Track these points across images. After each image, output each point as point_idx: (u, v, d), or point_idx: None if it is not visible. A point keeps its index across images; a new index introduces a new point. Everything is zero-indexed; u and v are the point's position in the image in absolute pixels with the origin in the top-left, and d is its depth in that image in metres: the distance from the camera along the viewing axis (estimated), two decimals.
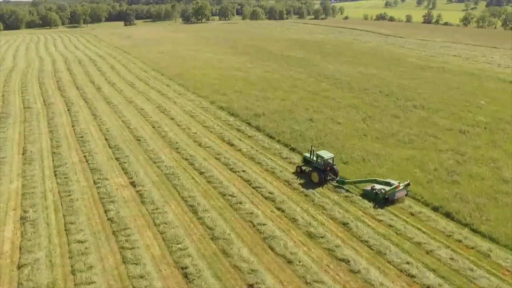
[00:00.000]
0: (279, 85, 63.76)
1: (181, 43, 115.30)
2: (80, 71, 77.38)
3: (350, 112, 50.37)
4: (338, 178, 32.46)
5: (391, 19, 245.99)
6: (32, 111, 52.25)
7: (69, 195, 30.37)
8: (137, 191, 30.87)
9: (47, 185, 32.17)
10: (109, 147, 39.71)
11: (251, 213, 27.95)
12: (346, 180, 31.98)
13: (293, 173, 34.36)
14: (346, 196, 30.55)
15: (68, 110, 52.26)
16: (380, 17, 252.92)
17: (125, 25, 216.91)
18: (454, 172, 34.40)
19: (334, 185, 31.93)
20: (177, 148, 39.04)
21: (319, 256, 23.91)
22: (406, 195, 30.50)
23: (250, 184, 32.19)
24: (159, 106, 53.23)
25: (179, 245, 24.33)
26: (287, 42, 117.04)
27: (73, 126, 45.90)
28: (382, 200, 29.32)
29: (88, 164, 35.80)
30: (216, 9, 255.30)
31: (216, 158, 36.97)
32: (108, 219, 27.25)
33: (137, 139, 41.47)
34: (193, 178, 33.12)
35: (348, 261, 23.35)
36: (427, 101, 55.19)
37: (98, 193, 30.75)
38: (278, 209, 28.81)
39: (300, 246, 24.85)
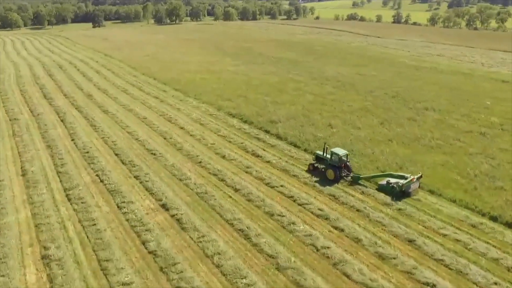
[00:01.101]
0: (283, 89, 60.99)
1: (165, 45, 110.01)
2: (63, 76, 71.22)
3: (365, 116, 48.39)
4: (352, 174, 32.41)
5: (362, 19, 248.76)
6: (20, 123, 46.76)
7: (94, 225, 26.25)
8: (172, 216, 27.16)
9: (63, 213, 27.82)
10: (123, 163, 35.48)
11: (310, 235, 25.06)
12: (361, 176, 31.86)
13: (306, 171, 33.73)
14: (399, 209, 28.27)
15: (61, 120, 47.19)
16: (351, 17, 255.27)
17: (94, 26, 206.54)
18: (495, 178, 33.07)
19: (349, 181, 31.91)
20: (200, 162, 35.41)
21: (400, 281, 21.50)
22: (418, 187, 30.76)
23: (294, 201, 29.26)
24: (163, 114, 49.07)
25: (244, 280, 21.05)
26: (273, 43, 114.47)
27: (72, 140, 41.10)
28: (399, 193, 29.53)
29: (104, 184, 31.57)
30: (187, 10, 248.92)
31: (246, 172, 33.72)
32: (150, 252, 23.49)
33: (152, 153, 37.41)
34: (230, 197, 29.76)
35: (434, 285, 21.05)
36: (436, 103, 54.17)
37: (127, 220, 26.80)
38: (335, 228, 26.11)
39: (375, 270, 22.31)
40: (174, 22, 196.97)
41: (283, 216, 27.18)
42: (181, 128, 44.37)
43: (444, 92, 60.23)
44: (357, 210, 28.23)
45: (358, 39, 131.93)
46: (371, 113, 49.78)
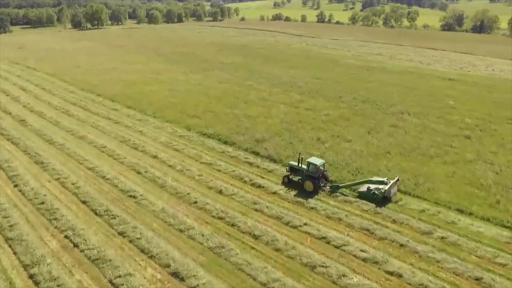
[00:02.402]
0: (248, 99, 55.49)
1: (96, 53, 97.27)
2: None
3: (349, 126, 45.10)
4: (332, 184, 31.02)
5: (287, 19, 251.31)
6: None
7: None
8: None
9: None
10: (96, 214, 27.47)
11: None
12: (340, 185, 30.64)
13: (282, 183, 31.61)
14: (442, 238, 24.82)
15: None
16: (276, 17, 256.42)
17: None
18: (508, 187, 31.53)
19: (328, 191, 30.34)
20: (196, 203, 28.77)
21: None
22: (397, 190, 30.20)
23: (328, 242, 24.37)
24: (124, 140, 40.77)
25: None
26: (213, 47, 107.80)
27: (16, 186, 31.56)
28: (381, 199, 28.71)
29: (82, 251, 23.66)
30: (107, 13, 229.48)
31: (256, 210, 27.95)
32: None
33: (130, 196, 29.74)
34: (253, 248, 23.92)
35: None
36: (406, 105, 53.00)
37: None
38: (390, 273, 21.83)
39: None
40: (96, 27, 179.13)
41: (325, 266, 22.18)
42: (154, 157, 36.81)
43: (406, 93, 59.66)
44: (401, 245, 24.23)
45: (294, 40, 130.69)
46: (352, 121, 46.65)
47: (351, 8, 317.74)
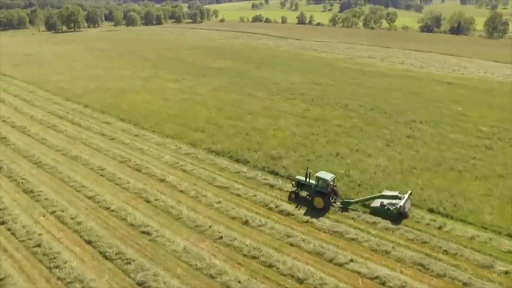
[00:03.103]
0: (251, 109, 51.71)
1: (76, 58, 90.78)
2: None
3: (365, 138, 42.14)
4: (343, 199, 28.74)
5: (267, 20, 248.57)
6: None
7: None
8: None
9: None
10: (106, 258, 23.09)
11: None
12: (352, 201, 28.43)
13: (288, 199, 29.44)
14: (505, 272, 21.98)
15: None
16: (256, 19, 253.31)
17: None
18: None
19: (339, 207, 28.22)
20: (221, 238, 24.84)
21: None
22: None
23: (384, 284, 21.24)
24: (124, 160, 36.19)
25: None
26: (199, 51, 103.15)
27: (3, 223, 26.65)
28: (396, 216, 26.82)
29: None
30: (84, 15, 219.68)
31: (291, 245, 24.34)
32: None
33: (143, 232, 25.44)
34: None
35: None
36: (415, 113, 50.63)
37: None
38: None
39: None
40: (73, 30, 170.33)
41: None
42: (161, 180, 32.51)
43: (411, 100, 57.46)
44: (465, 284, 21.22)
45: (280, 42, 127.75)
46: (367, 132, 43.72)
47: (329, 10, 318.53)
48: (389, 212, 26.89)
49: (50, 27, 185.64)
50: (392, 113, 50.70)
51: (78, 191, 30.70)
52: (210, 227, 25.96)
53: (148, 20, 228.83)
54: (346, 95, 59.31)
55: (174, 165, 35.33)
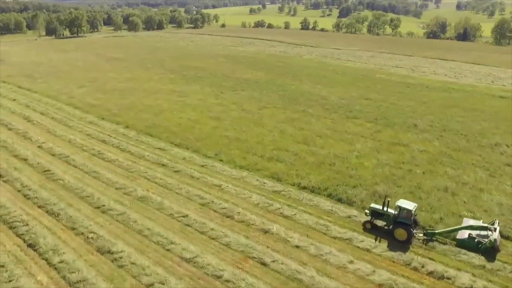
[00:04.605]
0: (315, 130, 45.70)
1: (93, 69, 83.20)
2: None
3: (461, 166, 36.70)
4: (426, 230, 25.88)
5: (270, 26, 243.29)
6: None
7: None
8: None
9: None
10: None
11: None
12: (436, 231, 25.62)
13: (363, 230, 26.49)
14: None
15: (31, 247, 24.71)
16: (258, 24, 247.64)
17: None
18: None
19: (422, 239, 25.41)
20: None
21: None
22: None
23: None
24: (206, 203, 29.68)
25: None
26: (222, 60, 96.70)
27: None
28: (488, 249, 23.93)
29: None
30: (86, 20, 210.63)
31: None
32: None
33: None
34: None
35: None
36: (494, 135, 45.30)
37: None
38: None
39: None
40: (76, 35, 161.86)
41: None
42: (265, 232, 26.19)
43: (477, 118, 52.03)
44: None
45: (298, 50, 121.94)
46: (457, 159, 38.28)
47: (328, 15, 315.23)
48: (480, 246, 24.27)
49: (50, 32, 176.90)
50: (468, 134, 45.35)
51: (167, 249, 24.27)
52: None
53: (149, 25, 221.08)
54: (407, 112, 53.80)
55: (268, 209, 29.13)
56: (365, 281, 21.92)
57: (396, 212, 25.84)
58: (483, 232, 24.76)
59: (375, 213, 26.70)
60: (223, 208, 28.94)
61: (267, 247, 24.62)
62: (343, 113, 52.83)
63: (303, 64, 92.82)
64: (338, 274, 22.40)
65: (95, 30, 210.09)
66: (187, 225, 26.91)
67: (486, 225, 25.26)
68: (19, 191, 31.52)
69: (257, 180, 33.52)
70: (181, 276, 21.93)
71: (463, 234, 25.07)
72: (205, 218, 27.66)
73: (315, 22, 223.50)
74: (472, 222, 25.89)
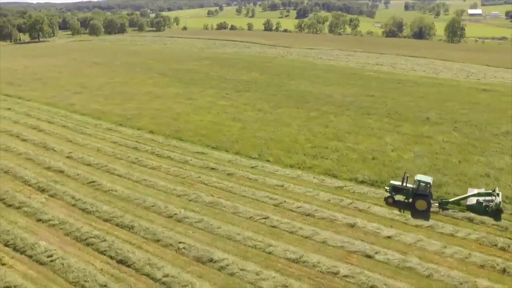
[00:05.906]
0: (339, 127, 46.86)
1: (80, 74, 78.48)
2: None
3: (487, 154, 39.43)
4: (441, 199, 29.22)
5: (233, 27, 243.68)
6: None
7: None
8: None
9: None
10: None
11: None
12: (449, 200, 29.14)
13: (385, 203, 29.64)
14: None
15: None
16: (221, 26, 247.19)
17: None
18: None
19: (437, 208, 28.78)
20: None
21: None
22: None
23: None
24: (279, 204, 29.40)
25: None
26: (208, 62, 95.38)
27: None
28: (494, 212, 27.78)
29: None
30: (48, 24, 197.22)
31: None
32: None
33: None
34: None
35: None
36: (499, 124, 49.09)
37: None
38: None
39: None
40: (37, 40, 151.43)
41: None
42: (351, 226, 26.70)
43: (474, 109, 55.85)
44: None
45: (276, 51, 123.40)
46: (480, 148, 41.05)
47: (286, 16, 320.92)
48: (487, 209, 27.85)
49: (5, 36, 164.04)
50: (478, 125, 48.72)
51: (269, 252, 23.83)
52: None
53: (110, 28, 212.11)
54: (412, 107, 56.68)
55: (341, 204, 29.62)
56: (465, 263, 23.13)
57: (415, 186, 28.74)
58: (488, 198, 28.43)
59: (395, 189, 29.65)
60: (299, 207, 28.98)
61: (362, 240, 25.12)
62: (356, 110, 54.60)
63: (291, 64, 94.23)
64: (440, 260, 23.44)
65: (52, 34, 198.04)
66: (273, 226, 26.66)
67: (490, 191, 29.05)
68: (73, 205, 29.37)
69: (314, 177, 33.89)
70: (299, 277, 21.81)
71: (472, 201, 28.66)
72: (287, 218, 27.57)
73: (278, 23, 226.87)
74: (476, 190, 29.69)
